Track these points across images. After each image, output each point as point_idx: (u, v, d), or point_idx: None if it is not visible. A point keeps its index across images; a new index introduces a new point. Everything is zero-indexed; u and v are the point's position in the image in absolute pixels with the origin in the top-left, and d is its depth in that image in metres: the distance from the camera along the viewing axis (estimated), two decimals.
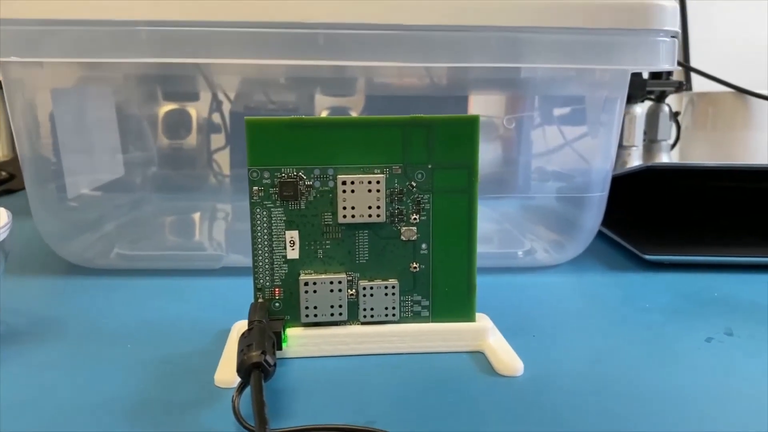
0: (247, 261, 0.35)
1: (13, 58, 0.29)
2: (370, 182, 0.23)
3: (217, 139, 0.51)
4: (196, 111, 0.50)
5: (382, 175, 0.23)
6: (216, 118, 0.50)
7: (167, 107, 0.49)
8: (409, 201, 0.24)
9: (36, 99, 0.34)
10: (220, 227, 0.45)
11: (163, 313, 0.29)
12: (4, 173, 0.63)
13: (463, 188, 0.24)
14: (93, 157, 0.42)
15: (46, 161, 0.35)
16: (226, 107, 0.50)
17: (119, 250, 0.36)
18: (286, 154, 0.23)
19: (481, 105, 0.49)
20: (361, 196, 0.23)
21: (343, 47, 0.30)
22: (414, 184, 0.24)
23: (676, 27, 0.31)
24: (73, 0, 0.29)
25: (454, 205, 0.24)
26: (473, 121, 0.23)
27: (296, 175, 0.23)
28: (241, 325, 0.25)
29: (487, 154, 0.48)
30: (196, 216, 0.46)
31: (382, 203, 0.23)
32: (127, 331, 0.26)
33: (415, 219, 0.24)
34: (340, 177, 0.23)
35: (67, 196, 0.37)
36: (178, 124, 0.49)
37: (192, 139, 0.50)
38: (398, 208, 0.24)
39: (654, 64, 0.31)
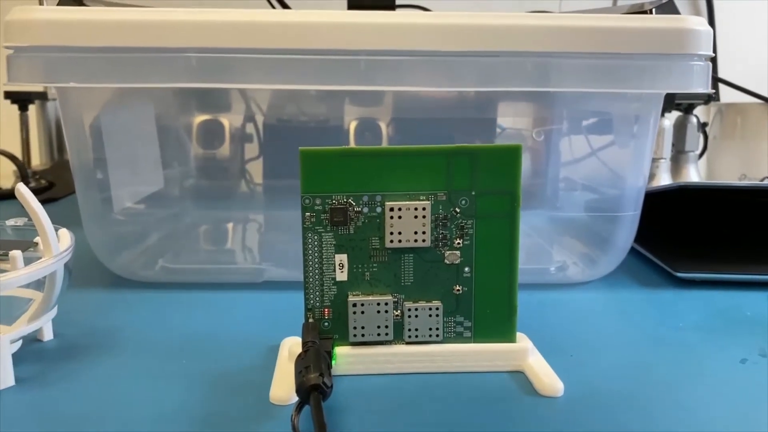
0: (286, 275, 0.37)
1: (72, 84, 0.30)
2: (416, 208, 0.24)
3: (251, 149, 0.52)
4: (229, 121, 0.52)
5: (428, 202, 0.24)
6: (249, 128, 0.52)
7: (201, 118, 0.51)
8: (453, 226, 0.25)
9: (87, 117, 0.35)
10: (261, 240, 0.46)
11: (212, 327, 0.30)
12: (43, 182, 0.65)
13: (505, 213, 0.25)
14: (136, 169, 0.43)
15: (96, 176, 0.36)
16: (259, 118, 0.51)
17: (164, 264, 0.38)
18: (336, 182, 0.24)
19: (510, 118, 0.50)
20: (408, 221, 0.24)
21: (378, 73, 0.31)
22: (458, 210, 0.25)
23: (710, 51, 0.32)
24: (125, 28, 0.30)
25: (496, 229, 0.25)
26: (516, 150, 0.24)
27: (346, 202, 0.24)
28: (290, 343, 0.26)
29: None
30: (237, 228, 0.47)
31: (428, 228, 0.24)
32: (179, 345, 0.28)
33: (458, 243, 0.25)
34: (388, 204, 0.24)
35: (113, 209, 0.38)
36: (212, 134, 0.51)
37: (226, 150, 0.52)
38: (443, 233, 0.25)
39: (688, 87, 0.32)
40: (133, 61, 0.30)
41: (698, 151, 0.65)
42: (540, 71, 0.31)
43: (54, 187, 0.64)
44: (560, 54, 0.31)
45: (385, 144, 0.47)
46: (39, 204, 0.24)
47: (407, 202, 0.24)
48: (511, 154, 0.24)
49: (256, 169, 0.52)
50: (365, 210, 0.24)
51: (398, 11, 0.34)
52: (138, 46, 0.30)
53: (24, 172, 0.64)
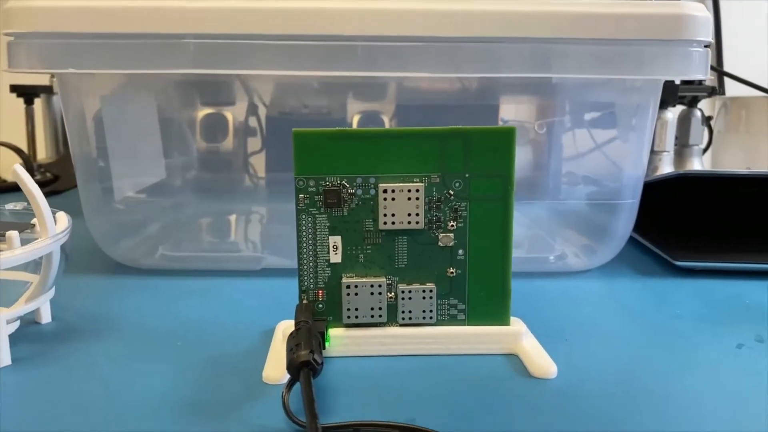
0: (284, 263, 0.37)
1: (71, 70, 0.30)
2: (409, 190, 0.24)
3: (253, 142, 0.52)
4: (232, 115, 0.52)
5: (422, 184, 0.24)
6: (252, 121, 0.52)
7: (205, 111, 0.51)
8: (446, 208, 0.25)
9: (87, 106, 0.36)
10: (260, 229, 0.46)
11: (209, 312, 0.30)
12: (49, 174, 0.66)
13: (499, 196, 0.25)
14: (138, 160, 0.44)
15: (98, 165, 0.36)
16: (262, 111, 0.51)
17: (164, 251, 0.38)
18: (330, 164, 0.24)
19: (512, 109, 0.50)
20: (401, 203, 0.24)
21: (379, 59, 0.31)
22: (452, 193, 0.25)
23: (709, 37, 0.32)
24: (124, 14, 0.30)
25: (490, 212, 0.25)
26: (509, 132, 0.24)
27: (340, 184, 0.24)
28: (285, 325, 0.26)
29: (519, 158, 0.49)
30: (237, 218, 0.47)
31: (421, 210, 0.24)
32: (175, 329, 0.28)
33: (452, 226, 0.25)
34: (382, 185, 0.24)
35: (114, 198, 0.38)
36: (215, 127, 0.51)
37: (229, 143, 0.52)
38: (436, 215, 0.25)
39: (686, 73, 0.32)
40: (132, 47, 0.31)
41: (702, 145, 0.64)
42: (539, 57, 0.31)
43: (59, 179, 0.65)
44: (560, 40, 0.31)
45: None
46: (36, 185, 0.24)
47: (401, 184, 0.24)
48: (505, 137, 0.24)
49: (258, 163, 0.52)
50: (359, 192, 0.24)
51: None
52: (137, 32, 0.30)
53: (29, 165, 0.64)
